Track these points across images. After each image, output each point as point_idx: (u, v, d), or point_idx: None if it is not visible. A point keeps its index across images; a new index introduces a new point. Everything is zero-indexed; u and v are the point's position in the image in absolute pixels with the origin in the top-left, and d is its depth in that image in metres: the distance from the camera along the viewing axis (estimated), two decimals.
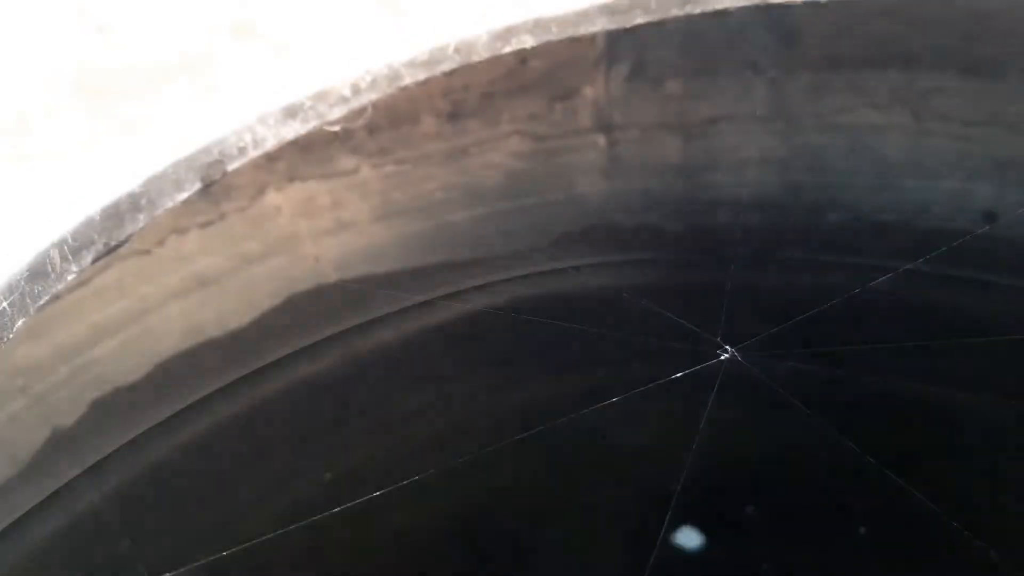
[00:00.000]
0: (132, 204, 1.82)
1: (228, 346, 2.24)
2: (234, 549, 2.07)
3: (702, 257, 2.50)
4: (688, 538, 2.22)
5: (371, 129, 2.35)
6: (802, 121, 2.27)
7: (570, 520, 2.38)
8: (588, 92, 2.44)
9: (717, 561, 2.28)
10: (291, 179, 2.31)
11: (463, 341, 2.55)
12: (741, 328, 2.19)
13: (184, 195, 1.87)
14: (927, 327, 2.19)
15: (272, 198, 2.29)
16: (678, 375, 2.04)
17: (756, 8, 2.26)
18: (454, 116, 2.41)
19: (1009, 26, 2.16)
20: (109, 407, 2.19)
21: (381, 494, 2.45)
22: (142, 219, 1.81)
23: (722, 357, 2.00)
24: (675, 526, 2.09)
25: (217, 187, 2.16)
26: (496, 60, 2.31)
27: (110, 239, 1.79)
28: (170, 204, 1.86)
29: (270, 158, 2.19)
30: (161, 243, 2.14)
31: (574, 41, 2.34)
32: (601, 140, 2.46)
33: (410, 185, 2.41)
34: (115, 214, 1.82)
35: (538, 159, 2.47)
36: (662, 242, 2.53)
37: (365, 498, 2.35)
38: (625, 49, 2.37)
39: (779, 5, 2.24)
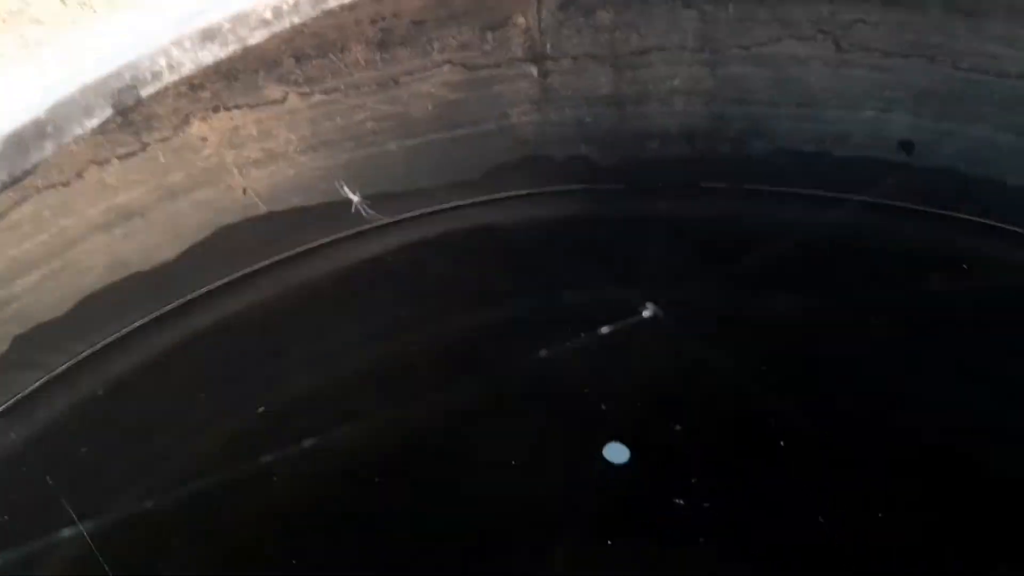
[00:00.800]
0: (37, 132, 1.76)
1: (154, 280, 2.22)
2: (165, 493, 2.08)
3: (632, 188, 2.55)
4: (618, 454, 2.33)
5: (298, 57, 2.32)
6: (729, 52, 2.32)
7: (507, 446, 2.47)
8: (520, 21, 2.44)
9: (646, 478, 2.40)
10: (216, 108, 2.26)
11: (397, 273, 2.57)
12: (668, 261, 2.28)
13: (95, 121, 1.82)
14: (847, 257, 2.30)
15: (197, 128, 2.24)
16: (604, 329, 2.11)
17: None
18: (383, 44, 2.38)
19: None
20: (31, 343, 2.16)
21: (321, 432, 2.49)
22: (48, 147, 1.76)
23: (644, 314, 2.08)
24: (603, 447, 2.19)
25: (138, 117, 2.11)
26: None
27: (14, 169, 1.73)
28: (79, 132, 1.80)
29: (193, 86, 2.14)
30: (80, 175, 2.09)
31: None
32: (533, 70, 2.47)
33: (340, 115, 2.39)
34: (18, 142, 1.76)
35: (471, 89, 2.47)
36: (594, 174, 2.58)
37: (307, 440, 2.39)
38: None
39: None
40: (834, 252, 2.37)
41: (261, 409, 2.40)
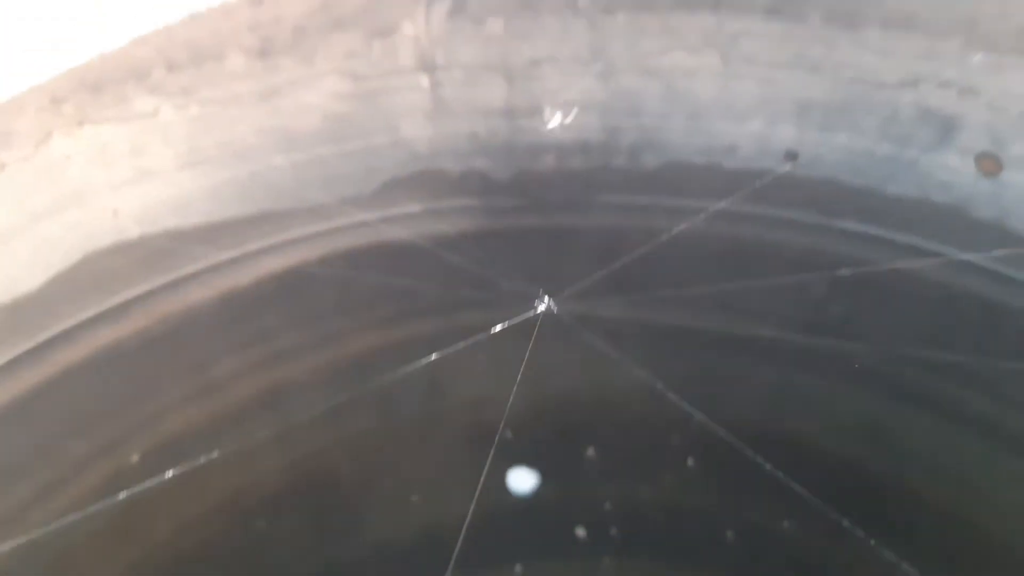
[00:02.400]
0: None
1: (16, 313, 2.07)
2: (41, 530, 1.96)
3: (527, 202, 2.57)
4: (519, 480, 2.35)
5: (170, 66, 2.22)
6: (620, 63, 2.37)
7: (403, 469, 2.44)
8: (408, 29, 2.42)
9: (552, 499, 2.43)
10: (80, 123, 2.14)
11: (283, 297, 2.50)
12: (562, 271, 2.30)
13: None
14: (733, 265, 2.38)
15: (60, 145, 2.11)
16: (498, 328, 2.11)
17: None
18: (264, 52, 2.31)
19: None
20: None
21: (206, 461, 2.40)
22: None
23: (539, 309, 2.09)
24: (502, 468, 2.20)
25: None
26: None
27: None
28: None
29: (55, 100, 2.02)
30: None
31: None
32: (424, 81, 2.45)
33: (219, 128, 2.30)
34: None
35: (359, 100, 2.43)
36: (488, 187, 2.58)
37: (188, 465, 2.30)
38: None
39: None
40: (721, 259, 2.46)
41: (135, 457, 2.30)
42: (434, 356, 2.43)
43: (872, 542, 2.54)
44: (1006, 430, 2.39)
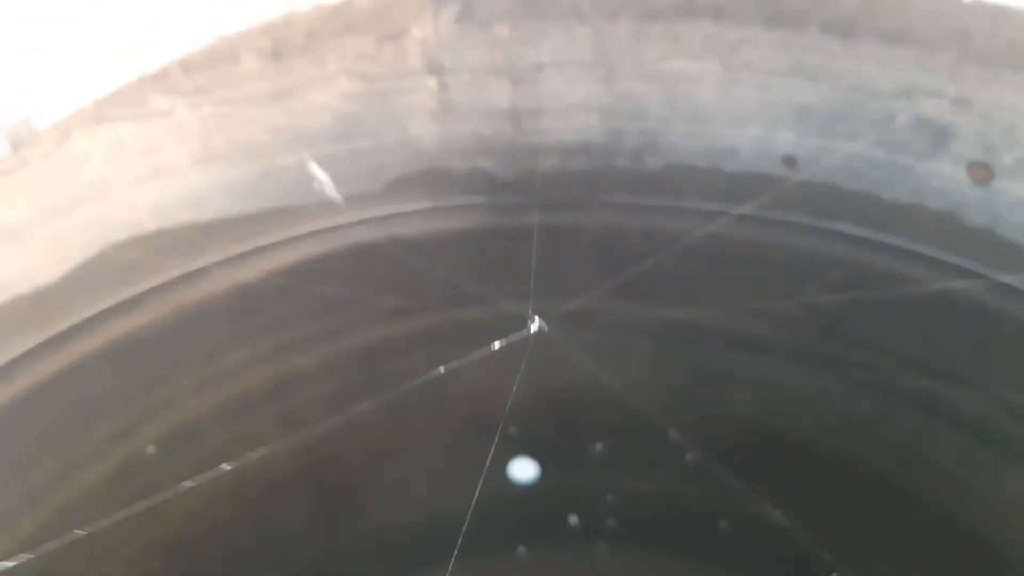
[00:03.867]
0: None
1: (37, 303, 2.21)
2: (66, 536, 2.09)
3: (531, 200, 2.69)
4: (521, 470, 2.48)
5: (186, 67, 2.34)
6: (623, 68, 2.48)
7: (409, 458, 2.58)
8: (417, 33, 2.53)
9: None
10: (99, 121, 2.27)
11: (292, 291, 2.63)
12: (562, 268, 2.43)
13: None
14: (729, 268, 2.49)
15: (79, 143, 2.24)
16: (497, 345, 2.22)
17: None
18: (277, 55, 2.43)
19: None
20: None
21: (216, 447, 2.54)
22: None
23: (532, 328, 2.19)
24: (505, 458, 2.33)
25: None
26: None
27: None
28: None
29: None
30: None
31: None
32: (432, 83, 2.56)
33: (232, 127, 2.43)
34: None
35: (368, 101, 2.55)
36: (493, 186, 2.69)
37: (199, 452, 2.44)
38: None
39: None
40: (723, 261, 2.58)
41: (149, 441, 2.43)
42: (440, 348, 2.56)
43: (863, 537, 2.66)
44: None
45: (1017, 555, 2.54)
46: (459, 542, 1.99)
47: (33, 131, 1.90)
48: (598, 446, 2.71)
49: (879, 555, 2.38)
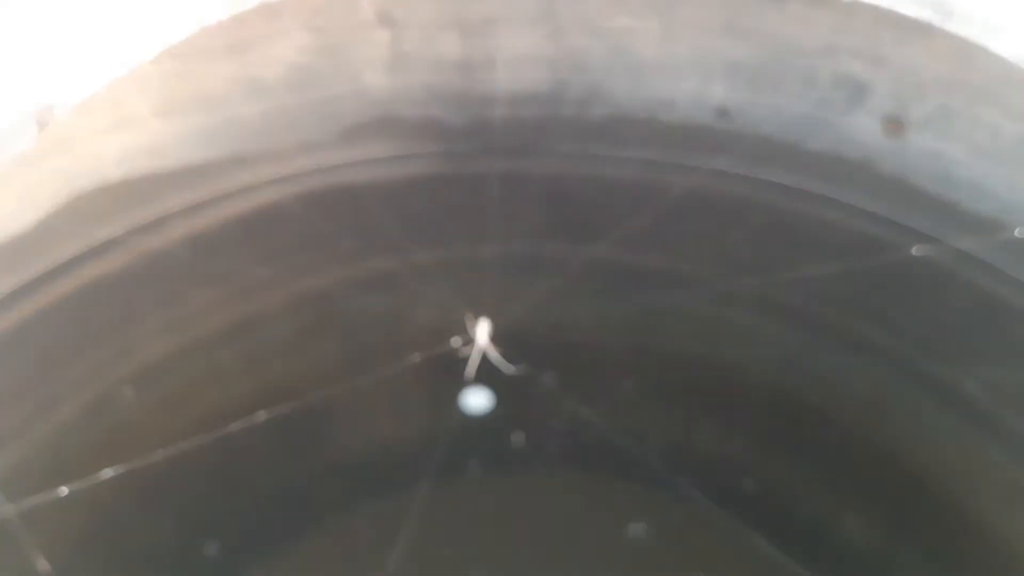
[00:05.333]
0: None
1: (11, 251, 2.36)
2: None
3: (480, 147, 2.88)
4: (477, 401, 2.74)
5: None
6: (568, 24, 2.66)
7: (370, 402, 2.82)
8: None
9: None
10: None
11: (251, 235, 2.81)
12: (511, 212, 2.65)
13: None
14: (665, 207, 2.74)
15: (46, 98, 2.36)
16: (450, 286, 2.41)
17: None
18: (234, 11, 2.55)
19: None
20: None
21: (182, 384, 2.74)
22: None
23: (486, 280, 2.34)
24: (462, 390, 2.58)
25: None
26: None
27: None
28: None
29: None
30: None
31: None
32: (384, 35, 2.71)
33: (191, 80, 2.57)
34: None
35: (322, 53, 2.70)
36: (444, 134, 2.88)
37: (166, 388, 2.64)
38: None
39: None
40: (661, 206, 2.82)
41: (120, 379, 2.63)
42: (393, 290, 2.79)
43: (784, 453, 3.00)
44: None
45: (918, 462, 2.91)
46: (421, 469, 2.25)
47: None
48: (546, 378, 2.98)
49: (794, 467, 2.72)
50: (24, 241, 2.37)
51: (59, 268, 2.47)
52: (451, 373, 2.57)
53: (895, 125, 2.58)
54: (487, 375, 2.83)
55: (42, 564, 2.02)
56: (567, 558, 2.80)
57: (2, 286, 2.37)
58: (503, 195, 2.87)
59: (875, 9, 2.30)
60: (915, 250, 2.54)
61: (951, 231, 2.61)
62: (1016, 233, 2.41)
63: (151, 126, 2.56)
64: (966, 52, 2.29)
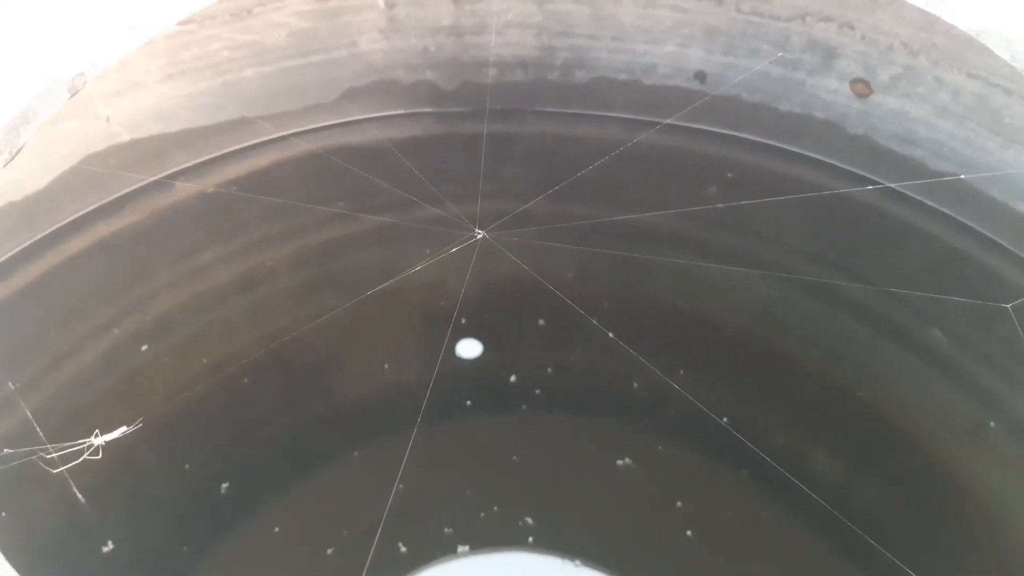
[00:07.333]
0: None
1: (27, 209, 2.51)
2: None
3: (472, 109, 3.04)
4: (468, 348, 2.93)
5: None
6: None
7: (370, 341, 3.00)
8: None
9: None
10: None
11: (257, 193, 2.97)
12: (503, 178, 2.82)
13: None
14: (646, 166, 2.92)
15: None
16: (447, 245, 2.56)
17: None
18: None
19: None
20: None
21: (192, 335, 2.92)
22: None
23: (478, 235, 2.47)
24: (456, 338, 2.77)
25: None
26: None
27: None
28: None
29: None
30: None
31: None
32: (380, 2, 2.86)
33: (196, 45, 2.71)
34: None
35: (321, 18, 2.84)
36: (437, 97, 3.04)
37: (177, 338, 2.81)
38: None
39: None
40: (643, 166, 3.00)
41: (132, 333, 2.79)
42: (394, 245, 2.95)
43: (756, 399, 3.21)
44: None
45: (885, 411, 3.13)
46: (421, 411, 2.43)
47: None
48: (536, 326, 3.17)
49: (765, 410, 2.93)
50: (38, 200, 2.52)
51: (71, 225, 2.63)
52: (444, 322, 2.77)
53: (863, 87, 2.76)
54: (476, 325, 3.02)
55: (80, 498, 2.20)
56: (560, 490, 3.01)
57: (18, 242, 2.52)
58: (495, 156, 3.04)
59: None
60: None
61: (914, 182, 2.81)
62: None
63: (158, 90, 2.71)
64: (930, 19, 2.47)
